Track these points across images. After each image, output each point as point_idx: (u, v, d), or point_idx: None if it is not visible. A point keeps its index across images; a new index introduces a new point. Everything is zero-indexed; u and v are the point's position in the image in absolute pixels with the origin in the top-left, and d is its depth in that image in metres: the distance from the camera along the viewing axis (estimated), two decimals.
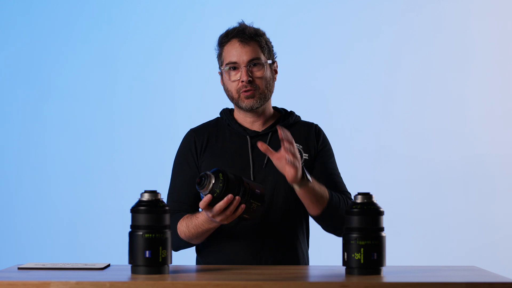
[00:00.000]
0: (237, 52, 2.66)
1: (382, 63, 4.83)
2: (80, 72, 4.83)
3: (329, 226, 2.64)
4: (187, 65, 4.82)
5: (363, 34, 4.83)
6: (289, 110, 2.81)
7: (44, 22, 4.84)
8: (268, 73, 2.69)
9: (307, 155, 2.71)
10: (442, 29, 4.83)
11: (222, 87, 2.76)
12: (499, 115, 4.80)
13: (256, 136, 2.71)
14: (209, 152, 2.70)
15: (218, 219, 2.40)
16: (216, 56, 2.76)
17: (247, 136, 2.71)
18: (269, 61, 2.70)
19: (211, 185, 2.35)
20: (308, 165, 2.70)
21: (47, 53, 4.83)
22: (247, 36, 2.67)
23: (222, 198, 2.35)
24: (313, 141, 2.74)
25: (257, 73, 2.67)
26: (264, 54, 2.69)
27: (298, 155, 2.43)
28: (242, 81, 2.65)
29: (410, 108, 4.81)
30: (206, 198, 2.35)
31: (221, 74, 2.74)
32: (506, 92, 4.81)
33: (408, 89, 4.82)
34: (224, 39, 2.70)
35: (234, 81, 2.67)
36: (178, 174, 2.73)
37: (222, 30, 2.75)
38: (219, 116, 2.80)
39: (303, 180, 2.48)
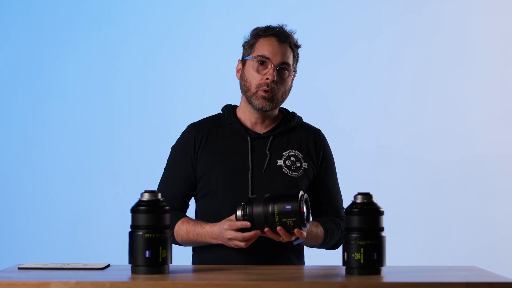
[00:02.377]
0: (273, 49, 2.65)
1: (382, 63, 4.82)
2: (80, 72, 4.83)
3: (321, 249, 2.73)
4: (187, 65, 4.82)
5: (363, 34, 4.83)
6: (291, 111, 2.80)
7: (44, 22, 4.84)
8: (290, 82, 2.69)
9: (306, 164, 2.70)
10: (442, 29, 4.83)
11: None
12: (499, 115, 4.80)
13: (257, 138, 2.70)
14: (208, 150, 2.68)
15: (233, 243, 2.44)
16: (243, 44, 2.72)
17: (248, 137, 2.70)
18: (295, 73, 2.71)
19: (239, 217, 2.40)
20: (306, 174, 2.69)
21: (47, 53, 4.83)
22: (286, 40, 2.67)
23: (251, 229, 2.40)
24: (314, 150, 2.73)
25: (283, 78, 2.66)
26: (294, 64, 2.69)
27: (301, 237, 2.43)
28: (267, 79, 2.63)
29: (410, 108, 4.81)
30: (244, 223, 2.40)
31: (242, 62, 2.71)
32: (506, 92, 4.81)
33: (408, 89, 4.82)
34: (262, 33, 2.68)
35: (259, 74, 2.64)
36: (174, 169, 2.71)
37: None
38: (221, 112, 2.78)
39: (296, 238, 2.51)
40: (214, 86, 4.69)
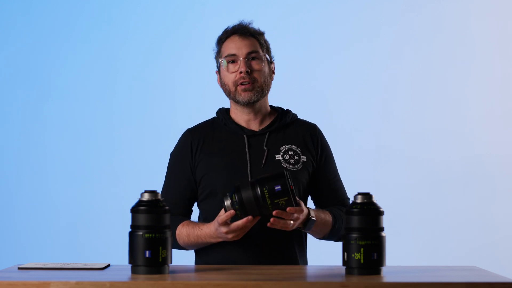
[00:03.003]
0: (236, 45, 2.68)
1: (382, 63, 4.82)
2: (80, 72, 4.83)
3: (331, 240, 2.73)
4: (187, 65, 4.82)
5: (363, 34, 4.83)
6: (285, 109, 2.80)
7: (44, 22, 4.84)
8: (266, 68, 2.70)
9: (305, 157, 2.70)
10: (442, 29, 4.83)
11: (220, 87, 2.77)
12: (499, 115, 4.80)
13: (254, 135, 2.71)
14: (206, 152, 2.69)
15: (230, 236, 2.44)
16: (214, 56, 2.77)
17: (244, 135, 2.70)
18: (268, 57, 2.71)
19: (228, 206, 2.39)
20: (306, 167, 2.70)
21: (47, 53, 4.83)
22: (246, 32, 2.70)
23: (241, 217, 2.39)
24: (312, 144, 2.73)
25: (256, 66, 2.68)
26: (262, 50, 2.70)
27: (301, 215, 2.44)
28: (241, 72, 2.65)
29: (410, 108, 4.81)
30: (228, 214, 2.39)
31: (218, 72, 2.74)
32: (506, 92, 4.81)
33: (408, 89, 4.82)
34: (223, 36, 2.72)
35: (232, 72, 2.67)
36: (173, 175, 2.73)
37: (222, 30, 2.76)
38: (215, 116, 2.79)
39: (308, 222, 2.51)
40: (214, 87, 4.68)
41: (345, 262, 2.20)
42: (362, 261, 2.16)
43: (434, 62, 4.82)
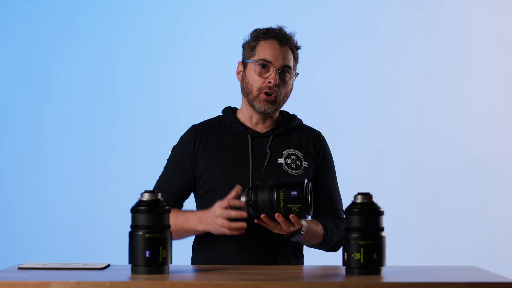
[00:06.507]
0: (275, 52, 2.66)
1: (382, 64, 4.82)
2: (80, 72, 4.83)
3: (320, 249, 2.72)
4: (187, 64, 4.82)
5: (363, 34, 4.82)
6: (291, 113, 2.81)
7: (44, 22, 4.84)
8: (291, 85, 2.71)
9: (306, 163, 2.71)
10: (443, 29, 4.83)
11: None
12: (499, 116, 4.80)
13: (258, 137, 2.71)
14: (208, 149, 2.70)
15: (220, 230, 2.45)
16: (243, 45, 2.73)
17: (248, 136, 2.71)
18: (296, 75, 2.72)
19: (244, 202, 2.40)
20: (307, 173, 2.70)
21: (48, 53, 4.83)
22: (287, 42, 2.68)
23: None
24: (314, 151, 2.74)
25: (285, 80, 2.67)
26: (294, 66, 2.71)
27: (297, 225, 2.43)
28: (269, 82, 2.64)
29: (410, 108, 4.81)
30: (239, 202, 2.40)
31: (243, 64, 2.72)
32: (506, 92, 4.81)
33: (408, 90, 4.82)
34: (263, 35, 2.69)
35: (261, 78, 2.65)
36: (173, 166, 2.73)
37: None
38: (221, 114, 2.79)
39: (295, 234, 2.51)
40: (215, 86, 4.69)
41: (345, 262, 2.20)
42: (362, 261, 2.16)
43: (435, 62, 4.82)
